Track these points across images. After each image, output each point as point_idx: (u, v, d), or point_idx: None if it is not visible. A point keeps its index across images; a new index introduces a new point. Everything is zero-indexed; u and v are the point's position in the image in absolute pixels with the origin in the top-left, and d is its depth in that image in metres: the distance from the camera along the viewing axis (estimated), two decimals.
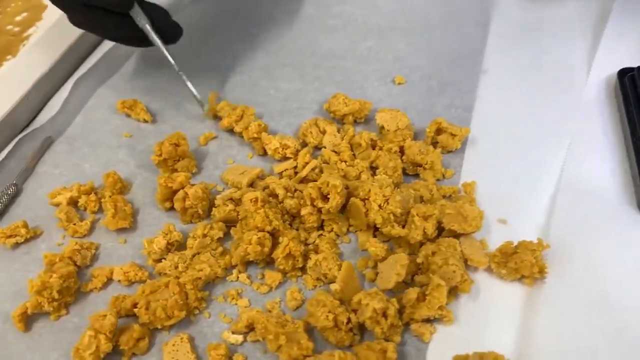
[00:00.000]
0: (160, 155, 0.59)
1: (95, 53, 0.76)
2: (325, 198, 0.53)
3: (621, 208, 0.51)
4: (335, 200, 0.51)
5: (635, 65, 0.60)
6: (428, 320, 0.46)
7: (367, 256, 0.52)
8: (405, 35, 0.74)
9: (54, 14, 0.79)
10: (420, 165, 0.56)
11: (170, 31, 0.63)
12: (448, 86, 0.66)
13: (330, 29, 0.76)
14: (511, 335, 0.44)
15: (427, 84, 0.67)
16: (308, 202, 0.53)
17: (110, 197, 0.58)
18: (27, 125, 0.69)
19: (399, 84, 0.68)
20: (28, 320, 0.51)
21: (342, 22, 0.77)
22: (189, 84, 0.65)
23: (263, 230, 0.51)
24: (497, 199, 0.53)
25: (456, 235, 0.50)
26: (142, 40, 0.63)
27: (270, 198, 0.54)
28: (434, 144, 0.59)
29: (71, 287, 0.51)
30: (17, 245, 0.56)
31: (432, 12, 0.76)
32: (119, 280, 0.53)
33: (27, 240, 0.57)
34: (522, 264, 0.46)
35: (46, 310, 0.50)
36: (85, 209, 0.59)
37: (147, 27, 0.61)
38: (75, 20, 0.62)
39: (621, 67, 0.60)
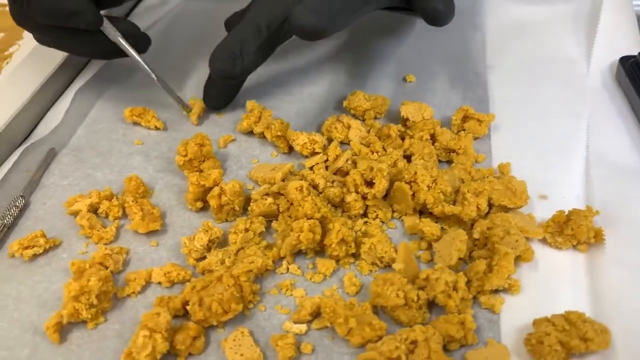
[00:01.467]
0: (186, 155, 0.57)
1: (93, 64, 0.73)
2: (368, 185, 0.52)
3: None
4: (381, 184, 0.51)
5: (630, 53, 0.64)
6: (495, 292, 0.46)
7: (416, 239, 0.51)
8: (406, 41, 0.76)
9: None
10: (454, 151, 0.57)
11: (141, 41, 0.64)
12: (458, 82, 0.68)
13: (335, 35, 0.77)
14: (581, 298, 0.45)
15: (438, 80, 0.69)
16: (352, 189, 0.52)
17: (134, 201, 0.55)
18: (26, 138, 0.65)
19: (410, 81, 0.69)
20: (62, 331, 0.46)
21: (346, 36, 0.78)
22: (170, 89, 0.64)
23: (312, 218, 0.49)
24: (532, 177, 0.54)
25: (505, 211, 0.51)
26: (113, 53, 0.62)
27: (311, 188, 0.53)
28: (460, 132, 0.60)
29: (109, 292, 0.48)
30: (34, 257, 0.52)
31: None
32: (159, 283, 0.49)
33: (45, 251, 0.53)
34: (578, 229, 0.47)
35: (84, 317, 0.46)
36: (107, 215, 0.55)
37: (120, 40, 0.61)
38: (43, 40, 0.61)
39: (621, 55, 0.64)
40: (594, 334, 0.40)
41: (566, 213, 0.49)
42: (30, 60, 0.69)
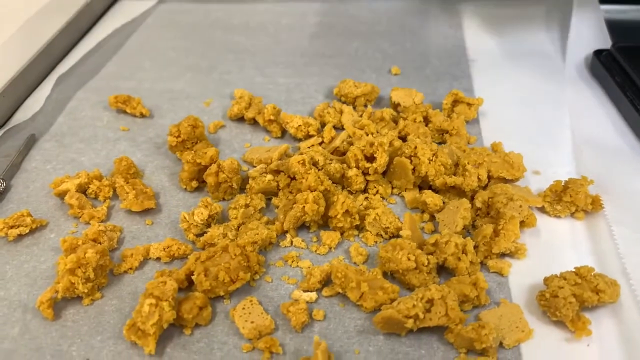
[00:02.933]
0: (179, 136, 0.56)
1: (72, 54, 0.72)
2: (368, 160, 0.52)
3: (632, 152, 0.56)
4: (382, 158, 0.51)
5: (600, 47, 0.68)
6: (502, 257, 0.47)
7: (417, 213, 0.51)
8: (388, 38, 0.78)
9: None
10: (447, 132, 0.58)
11: None
12: (443, 74, 0.70)
13: (312, 35, 0.79)
14: (585, 260, 0.46)
15: (422, 73, 0.70)
16: (353, 164, 0.52)
17: (126, 181, 0.53)
18: (4, 124, 0.62)
19: (396, 74, 0.70)
20: (55, 308, 0.44)
21: (322, 29, 0.80)
22: None
23: (315, 191, 0.49)
24: (523, 156, 0.55)
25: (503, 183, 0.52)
26: None
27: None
28: (451, 115, 0.61)
29: (106, 266, 0.45)
30: (19, 237, 0.49)
31: (406, 19, 0.81)
32: (158, 258, 0.48)
33: (31, 232, 0.50)
34: (577, 196, 0.48)
35: (79, 292, 0.44)
36: (96, 196, 0.53)
37: None
38: None
39: (594, 50, 0.68)
40: (605, 286, 0.41)
41: (563, 183, 0.50)
42: (10, 45, 0.67)
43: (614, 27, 0.72)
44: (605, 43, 0.69)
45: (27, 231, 0.49)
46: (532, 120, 0.61)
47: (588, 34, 0.70)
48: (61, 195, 0.53)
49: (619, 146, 0.57)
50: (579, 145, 0.57)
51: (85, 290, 0.44)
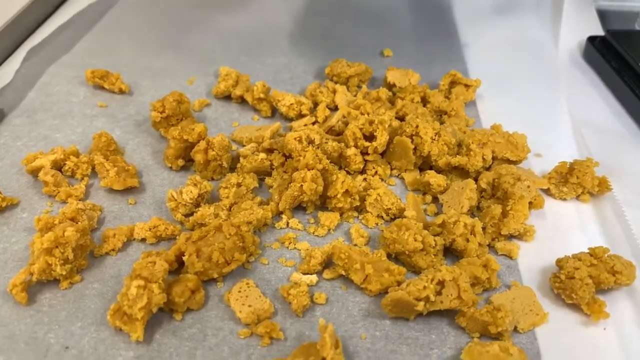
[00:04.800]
0: (163, 111, 0.52)
1: (43, 27, 0.67)
2: (367, 139, 0.50)
3: (631, 134, 0.55)
4: (383, 137, 0.48)
5: (592, 33, 0.67)
6: (509, 239, 0.45)
7: (419, 194, 0.49)
8: (379, 23, 0.75)
9: None
10: (445, 113, 0.56)
11: None
12: (436, 57, 0.68)
13: (298, 16, 0.76)
14: (595, 241, 0.44)
15: (415, 56, 0.68)
16: (351, 143, 0.49)
17: (105, 158, 0.49)
18: None
19: (388, 56, 0.68)
20: (30, 292, 0.39)
21: (308, 10, 0.77)
22: None
23: (314, 169, 0.46)
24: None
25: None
26: None
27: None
28: (447, 98, 0.59)
29: (86, 247, 0.41)
30: None
31: (397, 2, 0.79)
32: (143, 239, 0.44)
33: (1, 211, 0.46)
34: (584, 177, 0.47)
35: (57, 275, 0.40)
36: (73, 174, 0.49)
37: None
38: None
39: (587, 36, 0.67)
40: (622, 267, 0.39)
41: (568, 165, 0.48)
42: None
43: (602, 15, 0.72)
44: (597, 30, 0.69)
45: None
46: (529, 104, 0.60)
47: (580, 20, 0.70)
48: (34, 172, 0.49)
49: (618, 129, 0.56)
50: (579, 129, 0.56)
51: (63, 273, 0.40)
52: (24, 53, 0.62)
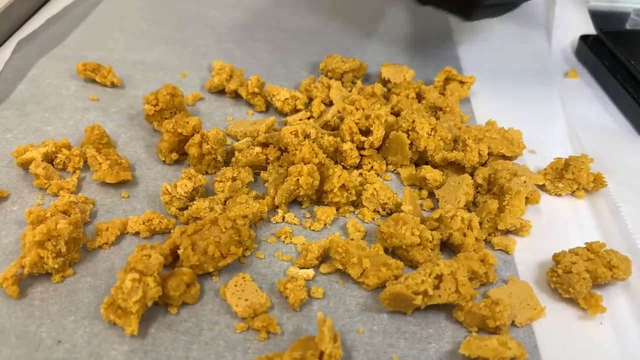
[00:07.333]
0: (157, 104, 0.52)
1: (34, 19, 0.66)
2: (363, 134, 0.49)
3: (624, 132, 0.56)
4: (379, 131, 0.48)
5: (584, 33, 0.68)
6: (506, 234, 0.45)
7: (415, 189, 0.49)
8: (371, 21, 0.75)
9: None
10: (440, 109, 0.56)
11: None
12: (430, 55, 0.68)
13: (292, 12, 0.75)
14: (591, 237, 0.44)
15: (409, 53, 0.68)
16: (347, 137, 0.49)
17: (98, 151, 0.48)
18: None
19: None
20: (21, 285, 0.39)
21: (301, 7, 0.77)
22: None
23: (310, 163, 0.45)
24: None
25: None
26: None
27: None
28: (442, 94, 0.59)
29: (79, 240, 0.41)
30: None
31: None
32: (137, 233, 0.43)
33: None
34: (579, 173, 0.47)
35: (49, 268, 0.39)
36: (65, 167, 0.48)
37: None
38: None
39: (579, 35, 0.68)
40: (618, 262, 0.39)
41: (563, 161, 0.48)
42: None
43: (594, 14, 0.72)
44: (589, 29, 0.69)
45: None
46: (523, 102, 0.60)
47: (572, 19, 0.70)
48: (25, 164, 0.48)
49: (612, 127, 0.57)
50: (573, 126, 0.56)
51: (56, 266, 0.39)
52: (14, 44, 0.61)
